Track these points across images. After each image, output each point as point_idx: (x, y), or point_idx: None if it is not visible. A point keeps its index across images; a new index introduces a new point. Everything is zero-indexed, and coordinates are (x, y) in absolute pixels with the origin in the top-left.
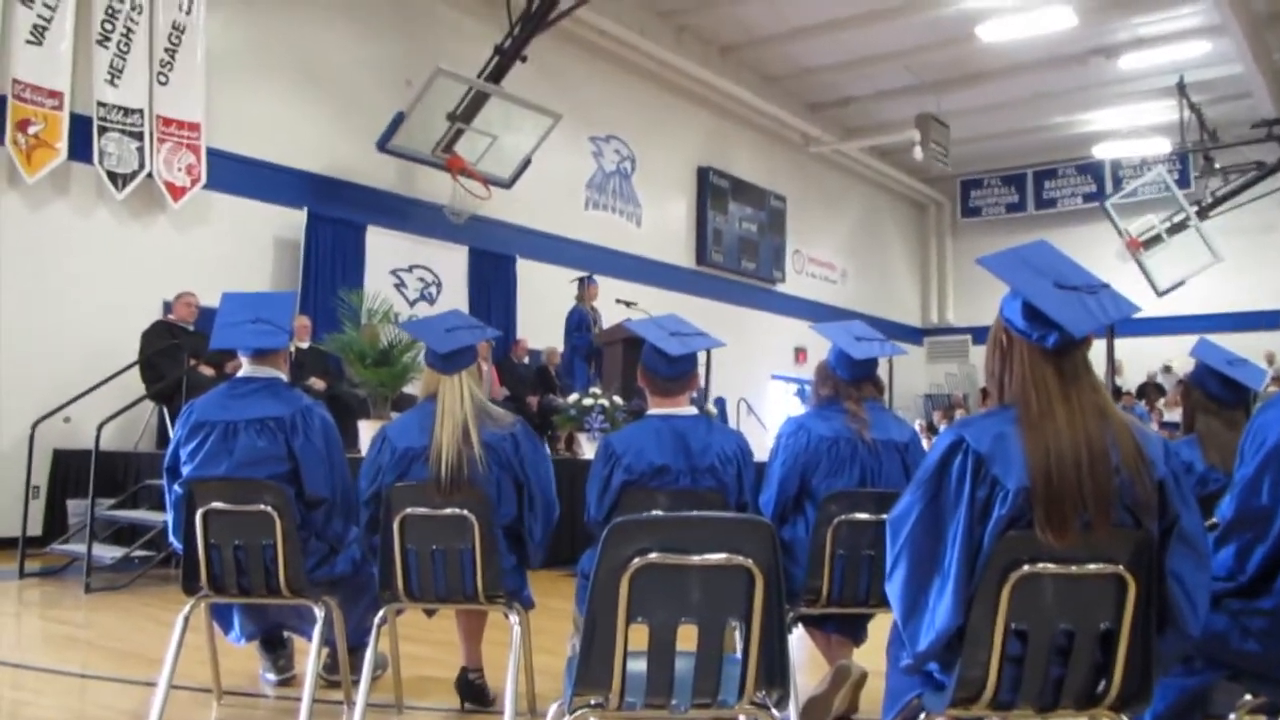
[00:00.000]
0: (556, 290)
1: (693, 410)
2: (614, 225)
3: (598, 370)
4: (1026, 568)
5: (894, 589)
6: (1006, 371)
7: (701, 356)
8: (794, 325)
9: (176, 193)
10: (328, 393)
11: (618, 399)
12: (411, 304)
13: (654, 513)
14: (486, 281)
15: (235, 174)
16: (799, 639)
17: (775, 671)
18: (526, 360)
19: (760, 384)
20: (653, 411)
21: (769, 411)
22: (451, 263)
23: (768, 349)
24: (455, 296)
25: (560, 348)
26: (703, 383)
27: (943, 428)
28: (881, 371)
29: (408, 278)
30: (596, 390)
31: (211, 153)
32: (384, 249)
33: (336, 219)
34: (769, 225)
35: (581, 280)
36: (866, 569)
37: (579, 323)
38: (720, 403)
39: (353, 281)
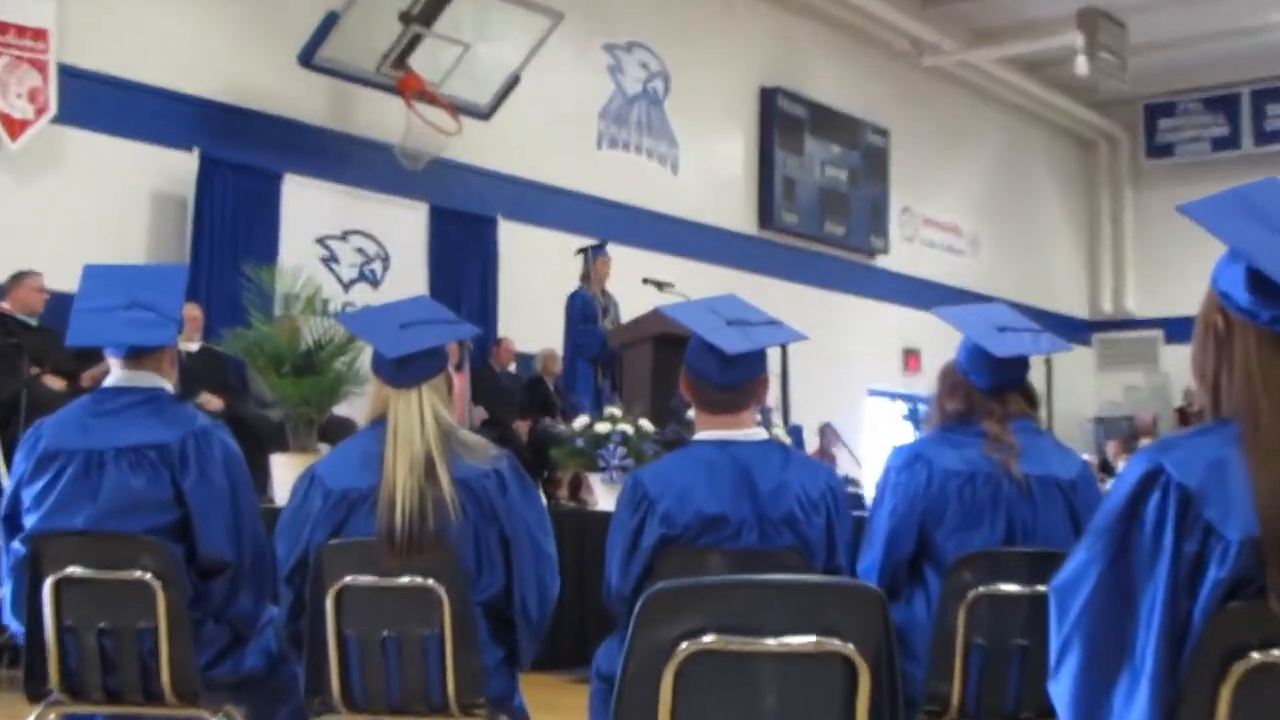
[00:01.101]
0: (555, 267)
1: (760, 433)
2: (639, 172)
3: (615, 381)
4: (1257, 656)
5: (1062, 690)
6: (1224, 370)
7: (774, 357)
8: (902, 316)
9: (14, 128)
10: (226, 414)
11: (646, 424)
12: (347, 286)
13: (711, 578)
14: (455, 254)
15: (98, 102)
16: None
17: None
18: (513, 368)
19: (853, 402)
20: (703, 436)
21: (867, 441)
22: (404, 227)
23: (864, 351)
24: (410, 275)
25: (560, 350)
26: (779, 395)
27: (1121, 463)
28: (1035, 378)
29: (342, 249)
30: (614, 411)
31: (65, 72)
32: (308, 207)
33: (240, 165)
34: (865, 172)
35: (589, 252)
36: (1017, 665)
37: (586, 313)
38: (795, 432)
39: (263, 254)
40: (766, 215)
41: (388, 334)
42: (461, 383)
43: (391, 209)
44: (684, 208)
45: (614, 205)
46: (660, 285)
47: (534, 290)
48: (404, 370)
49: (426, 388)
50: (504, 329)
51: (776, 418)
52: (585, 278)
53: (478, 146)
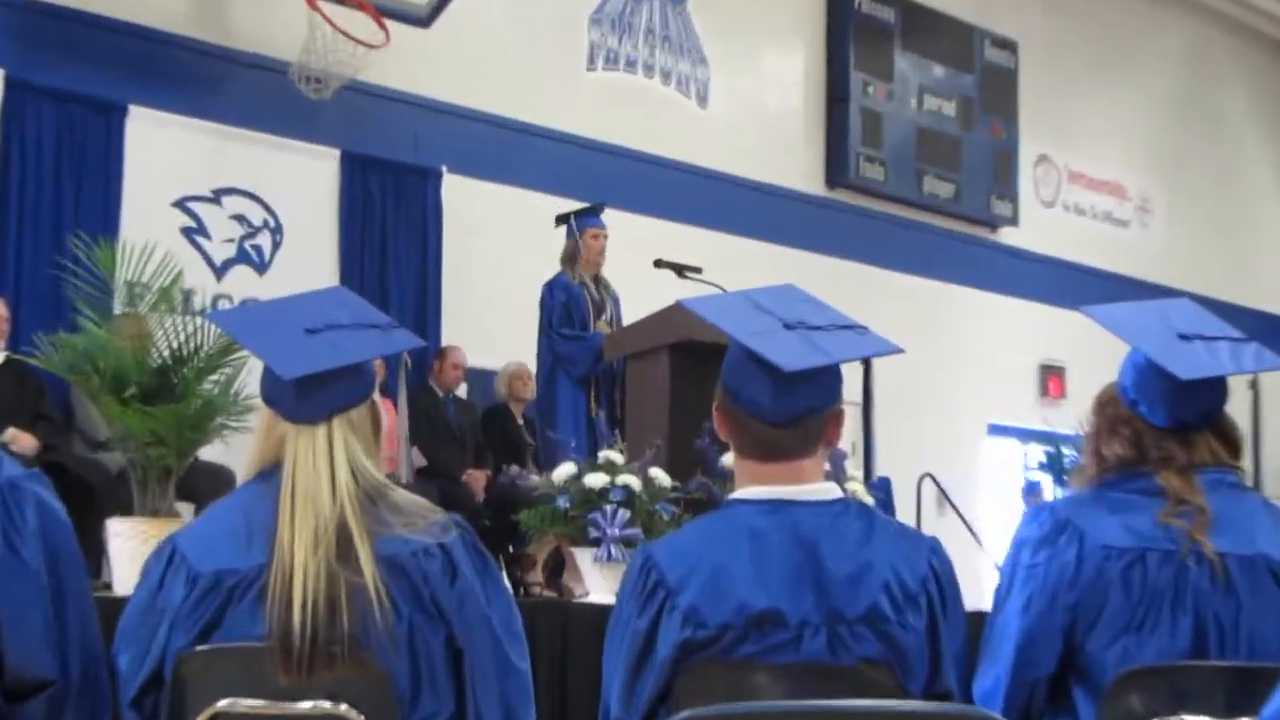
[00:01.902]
0: (525, 243)
1: (830, 489)
2: (650, 104)
3: (614, 412)
4: None
5: None
6: None
7: (851, 378)
8: (1038, 318)
9: None
10: (42, 458)
11: (660, 475)
12: (221, 271)
13: (757, 704)
14: (379, 224)
15: None
16: None
17: None
18: (463, 392)
19: (967, 444)
20: (746, 494)
21: (987, 501)
22: (305, 184)
23: (983, 369)
24: (313, 255)
25: (532, 365)
26: (859, 434)
27: None
28: (1236, 410)
29: (213, 215)
30: (613, 456)
31: None
32: (163, 155)
33: (64, 92)
34: (983, 104)
35: (575, 220)
36: None
37: (571, 310)
38: (882, 488)
39: (96, 223)
40: (837, 168)
41: (283, 343)
42: (393, 416)
43: (286, 158)
44: (716, 156)
45: (612, 152)
46: (681, 270)
47: (494, 277)
48: (308, 398)
49: (341, 424)
50: (450, 334)
51: (854, 467)
52: (570, 259)
53: (413, 67)
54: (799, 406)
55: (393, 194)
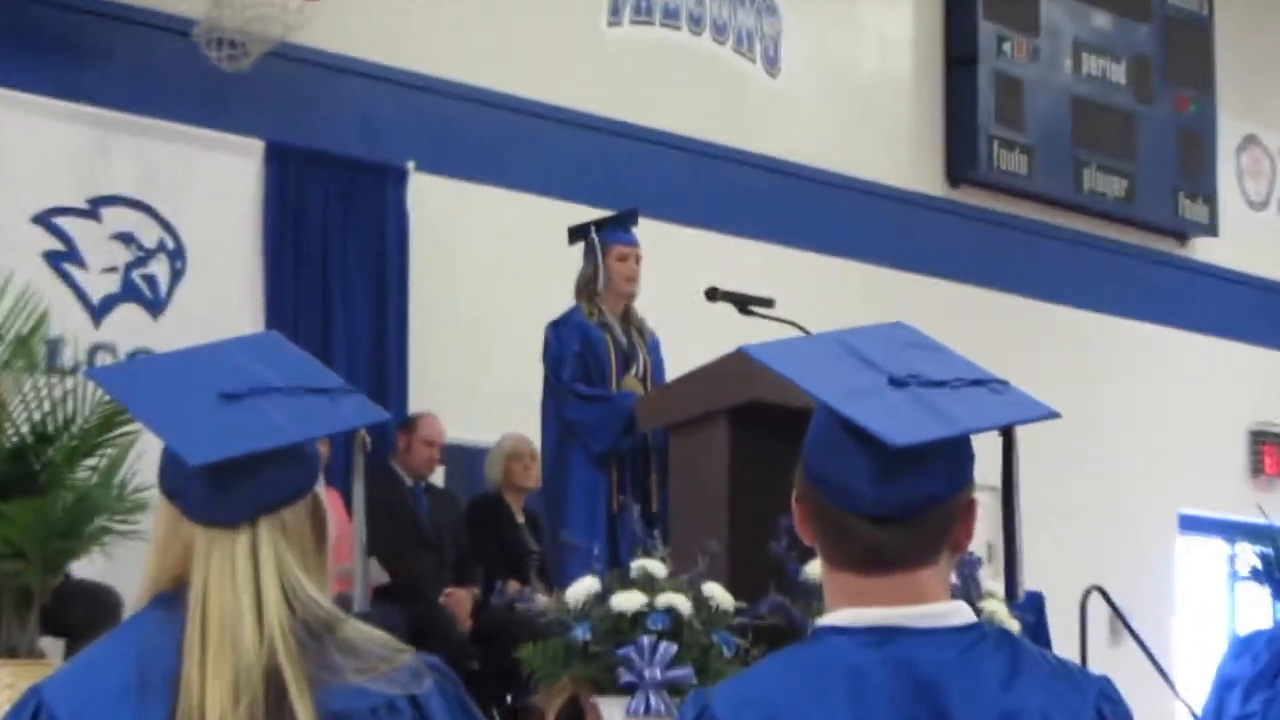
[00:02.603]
0: (525, 266)
1: (956, 611)
2: (700, 71)
3: (647, 500)
4: None
5: None
6: None
7: (985, 453)
8: (1244, 362)
9: None
10: None
11: (718, 592)
12: (98, 310)
13: None
14: (318, 242)
15: None
16: None
17: None
18: (440, 478)
19: (1148, 543)
20: (840, 620)
21: (1177, 621)
22: (217, 187)
23: (1169, 439)
24: (229, 285)
25: (536, 440)
26: (1001, 533)
27: None
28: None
29: (88, 233)
30: (651, 564)
31: None
32: (18, 150)
33: None
34: (1165, 68)
35: (595, 235)
36: None
37: (590, 360)
38: (1031, 607)
39: None
40: (962, 157)
41: (191, 414)
42: (343, 516)
43: (190, 154)
44: (791, 144)
45: (645, 139)
46: (745, 303)
47: (482, 316)
48: (226, 492)
49: (271, 529)
50: (421, 398)
51: (992, 578)
52: (588, 289)
53: (365, 27)
54: (913, 496)
55: (338, 202)
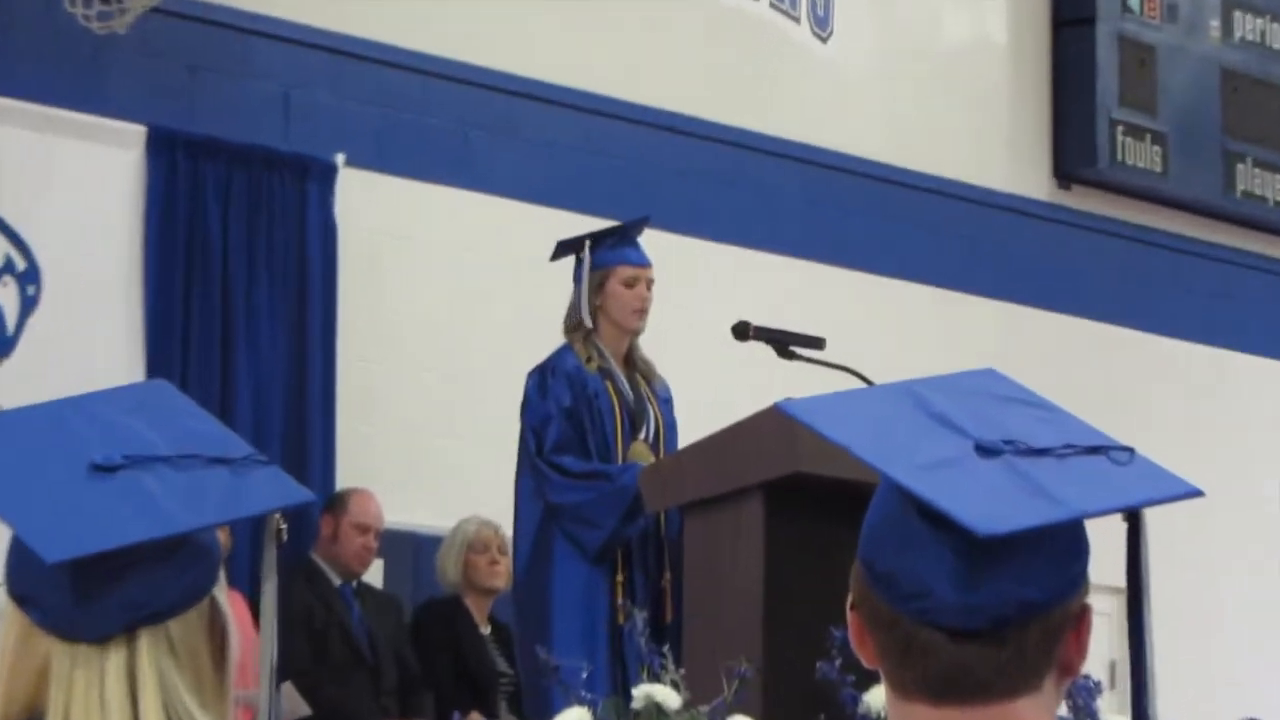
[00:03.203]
0: (494, 290)
1: None
2: (725, 35)
3: (658, 607)
4: None
5: None
6: None
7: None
8: None
9: None
10: None
11: None
12: None
13: None
14: (217, 260)
15: None
16: None
17: None
18: (378, 575)
19: None
20: None
21: None
22: (85, 188)
23: None
24: (100, 315)
25: (506, 526)
26: (1128, 649)
27: None
28: None
29: None
30: (662, 690)
31: None
32: None
33: None
34: None
35: (587, 250)
36: None
37: (576, 418)
38: None
39: None
40: (1076, 150)
41: (49, 493)
42: (249, 630)
43: (48, 144)
44: (848, 133)
45: (656, 125)
46: (786, 343)
47: (434, 358)
48: (93, 599)
49: (151, 643)
50: (351, 470)
51: (1115, 709)
52: (581, 322)
53: None
54: (1008, 602)
55: (244, 206)
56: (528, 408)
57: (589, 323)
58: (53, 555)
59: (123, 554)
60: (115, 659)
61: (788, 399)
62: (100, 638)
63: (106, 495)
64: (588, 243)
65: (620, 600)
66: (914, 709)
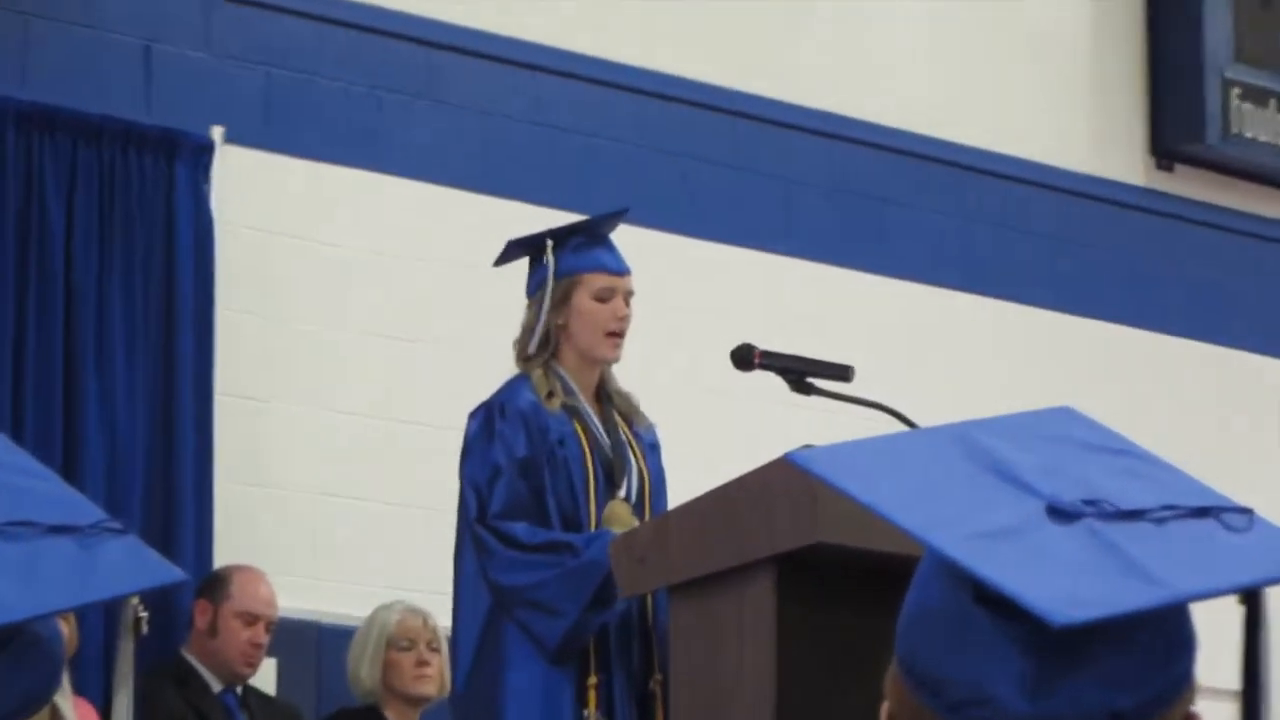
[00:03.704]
0: (421, 304)
1: None
2: None
3: (646, 714)
4: None
5: None
6: None
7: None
8: None
9: None
10: None
11: None
12: None
13: None
14: (53, 260)
15: None
16: None
17: None
18: (267, 678)
19: None
20: None
21: None
22: None
23: None
24: None
25: (441, 614)
26: None
27: None
28: None
29: None
30: None
31: None
32: None
33: None
34: None
35: (549, 252)
36: None
37: (533, 471)
38: None
39: None
40: (1180, 122)
41: None
42: None
43: None
44: (893, 104)
45: (636, 88)
46: (803, 374)
47: (342, 391)
48: None
49: None
50: (232, 542)
51: None
52: (539, 348)
53: None
54: (1089, 712)
55: (98, 193)
56: (468, 459)
57: (549, 348)
58: None
59: None
60: None
61: (803, 448)
62: None
63: None
64: (549, 242)
65: (592, 711)
66: None
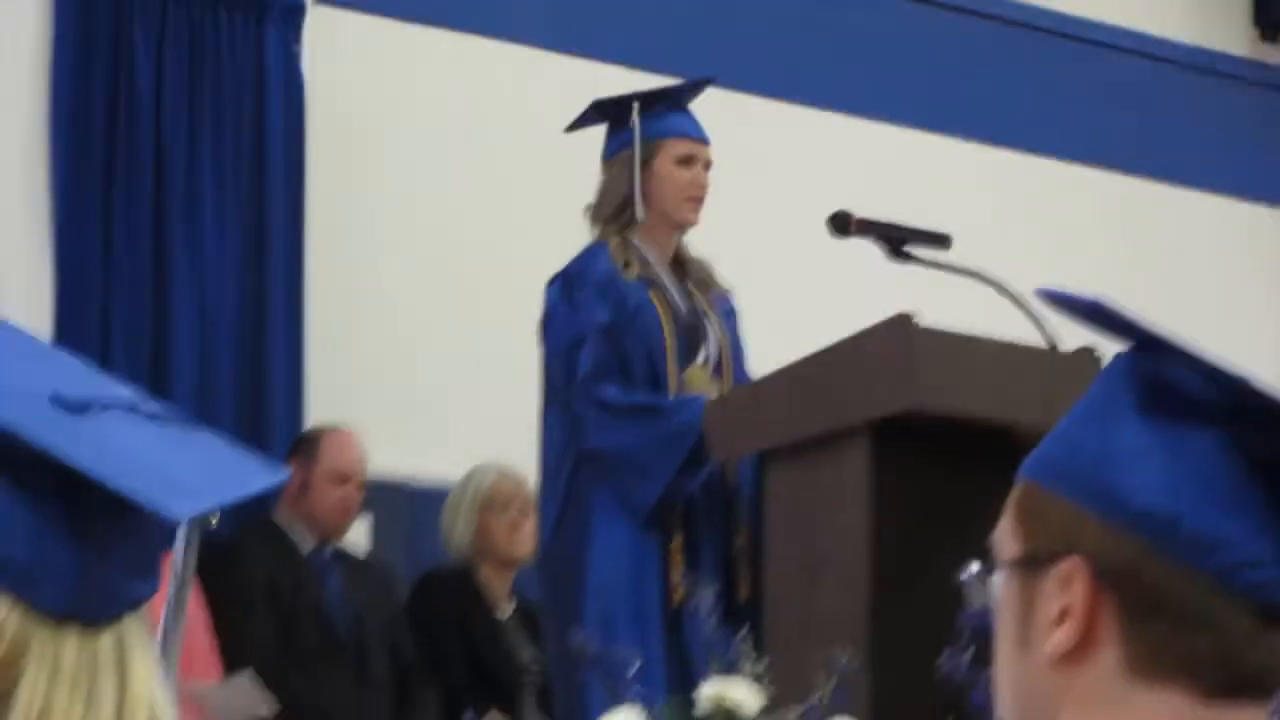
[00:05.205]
0: (507, 169)
1: None
2: None
3: (730, 582)
4: None
5: None
6: None
7: None
8: None
9: None
10: None
11: None
12: None
13: None
14: (141, 132)
15: None
16: None
17: None
18: (359, 536)
19: None
20: None
21: None
22: None
23: None
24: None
25: (531, 477)
26: None
27: None
28: None
29: None
30: (738, 688)
31: None
32: None
33: None
34: None
35: (635, 115)
36: None
37: (615, 338)
38: None
39: None
40: None
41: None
42: (194, 613)
43: None
44: None
45: None
46: (899, 240)
47: (431, 259)
48: (101, 573)
49: (137, 630)
50: (325, 402)
51: None
52: (617, 212)
53: None
54: None
55: (183, 58)
56: (550, 326)
57: (640, 212)
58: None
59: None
60: (108, 645)
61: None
62: (97, 621)
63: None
64: (635, 105)
65: (679, 572)
66: (1166, 699)
